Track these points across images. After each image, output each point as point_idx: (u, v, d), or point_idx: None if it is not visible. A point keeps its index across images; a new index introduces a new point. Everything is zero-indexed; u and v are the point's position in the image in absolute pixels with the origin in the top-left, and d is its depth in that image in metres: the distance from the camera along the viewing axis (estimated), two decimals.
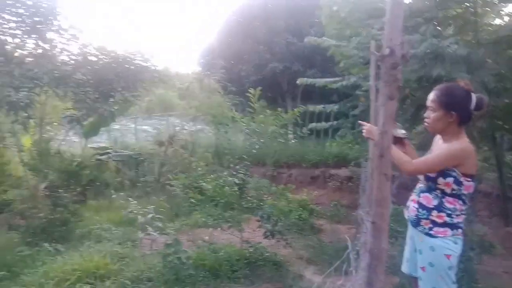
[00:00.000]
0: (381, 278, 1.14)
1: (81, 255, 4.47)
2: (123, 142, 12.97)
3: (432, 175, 2.47)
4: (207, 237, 5.69)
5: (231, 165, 4.94)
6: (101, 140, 13.57)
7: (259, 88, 4.62)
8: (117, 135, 13.72)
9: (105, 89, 7.34)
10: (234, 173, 4.76)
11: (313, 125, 6.61)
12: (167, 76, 8.43)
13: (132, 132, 15.38)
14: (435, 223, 2.48)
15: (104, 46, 7.24)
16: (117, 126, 14.05)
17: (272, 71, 13.02)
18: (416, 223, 2.58)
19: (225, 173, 8.82)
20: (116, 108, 8.07)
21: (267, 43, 13.40)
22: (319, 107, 6.35)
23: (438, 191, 2.47)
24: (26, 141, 8.01)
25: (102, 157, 8.96)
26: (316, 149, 10.27)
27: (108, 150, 9.68)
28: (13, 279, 4.20)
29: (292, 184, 8.63)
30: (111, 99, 7.47)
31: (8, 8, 6.50)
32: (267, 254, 4.68)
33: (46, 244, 4.95)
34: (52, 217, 5.38)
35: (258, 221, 5.13)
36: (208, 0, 44.94)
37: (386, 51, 0.94)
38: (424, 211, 2.52)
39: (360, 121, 2.87)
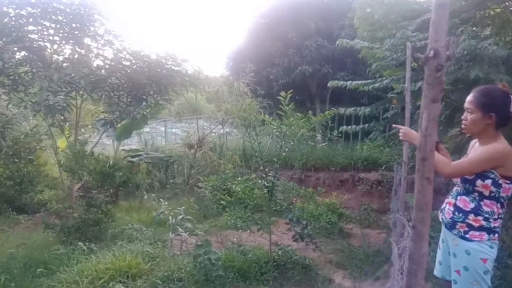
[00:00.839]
0: (421, 282, 1.12)
1: (114, 255, 4.59)
2: (153, 145, 13.27)
3: (470, 177, 2.41)
4: (235, 239, 5.73)
5: (261, 168, 4.93)
6: (132, 143, 13.96)
7: (290, 91, 4.60)
8: (148, 138, 14.05)
9: (137, 93, 7.52)
10: (264, 175, 4.76)
11: (343, 128, 6.52)
12: (197, 80, 8.52)
13: (162, 135, 15.70)
14: (471, 227, 2.42)
15: (138, 50, 7.38)
16: (147, 129, 14.39)
17: (302, 74, 12.95)
18: (451, 226, 2.52)
19: (253, 176, 8.90)
20: (148, 111, 8.25)
21: (296, 46, 13.33)
22: (350, 110, 6.27)
23: (476, 193, 2.41)
24: (62, 143, 8.33)
25: (134, 159, 9.17)
26: (345, 152, 10.16)
27: (139, 153, 9.90)
28: (49, 276, 4.35)
29: (320, 187, 8.61)
30: (144, 103, 7.63)
31: (48, 16, 6.76)
32: (296, 257, 4.67)
33: (80, 243, 5.10)
34: (86, 217, 5.53)
35: (287, 224, 5.12)
36: (236, 3, 45.14)
37: (431, 53, 0.92)
38: (460, 214, 2.47)
39: (395, 125, 2.82)
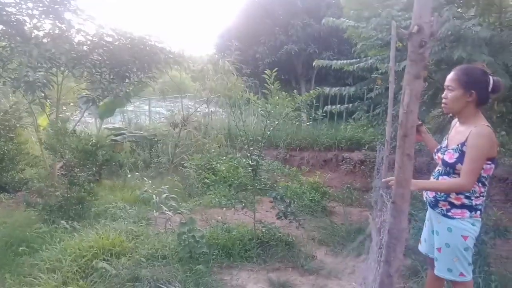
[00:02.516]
0: (399, 257, 1.15)
1: (97, 233, 4.58)
2: (137, 124, 13.12)
3: (451, 161, 2.45)
4: (220, 217, 5.78)
5: (245, 147, 4.94)
6: (115, 122, 13.76)
7: (275, 69, 4.57)
8: (131, 117, 13.86)
9: (120, 70, 7.36)
10: (248, 154, 4.77)
11: (328, 107, 6.54)
12: (182, 58, 8.38)
13: (146, 113, 15.51)
14: (453, 205, 2.48)
15: (120, 27, 7.20)
16: (131, 108, 14.19)
17: (287, 53, 12.86)
18: (434, 204, 2.58)
19: (238, 155, 8.90)
20: (131, 89, 8.11)
21: (283, 25, 13.18)
22: (334, 90, 6.28)
23: (456, 175, 2.45)
24: (43, 121, 8.15)
25: (117, 138, 9.06)
26: (329, 132, 10.24)
27: (122, 131, 9.78)
28: (32, 254, 4.32)
29: (304, 166, 8.69)
30: (126, 80, 7.49)
31: None
32: (280, 234, 4.74)
33: (63, 222, 5.06)
34: (68, 195, 5.48)
35: (271, 202, 5.17)
36: None
37: (414, 28, 0.92)
38: (442, 193, 2.52)
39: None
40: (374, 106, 6.64)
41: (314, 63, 6.50)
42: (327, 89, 6.24)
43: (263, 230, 4.74)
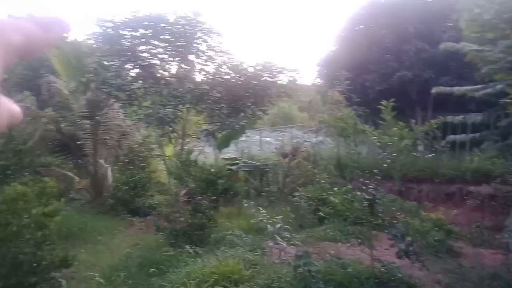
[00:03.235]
0: None
1: (218, 259, 4.82)
2: (249, 153, 13.70)
3: None
4: (333, 251, 5.63)
5: (361, 179, 4.80)
6: (228, 151, 14.58)
7: (392, 99, 4.43)
8: (244, 146, 14.55)
9: (236, 105, 7.89)
10: (364, 187, 4.62)
11: (451, 137, 6.07)
12: (292, 91, 8.63)
13: (256, 143, 16.13)
14: None
15: (236, 64, 7.75)
16: (243, 138, 14.93)
17: (400, 80, 12.35)
18: None
19: (349, 186, 8.66)
20: (245, 122, 8.58)
21: (394, 51, 12.78)
22: (458, 118, 5.81)
23: None
24: (168, 151, 9.04)
25: (233, 167, 9.57)
26: (451, 163, 9.36)
27: (237, 161, 10.31)
28: (160, 276, 4.73)
29: (423, 201, 8.05)
30: (242, 114, 7.97)
31: (157, 36, 7.45)
32: (400, 275, 4.41)
33: (187, 247, 5.47)
34: (192, 221, 5.92)
35: (389, 239, 4.88)
36: (329, 8, 44.61)
37: None
38: None
39: None
40: (505, 136, 5.95)
41: (433, 90, 6.14)
42: (450, 118, 5.81)
43: (382, 269, 4.47)
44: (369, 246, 4.61)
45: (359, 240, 4.66)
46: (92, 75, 7.50)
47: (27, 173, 7.06)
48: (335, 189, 8.08)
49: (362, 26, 14.18)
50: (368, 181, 4.74)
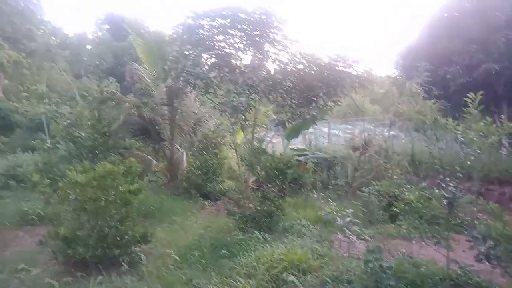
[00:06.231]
0: None
1: (286, 247, 4.90)
2: (316, 145, 13.59)
3: None
4: (403, 249, 5.44)
5: (440, 176, 4.56)
6: (295, 142, 14.58)
7: (480, 92, 4.13)
8: (311, 138, 14.45)
9: (308, 95, 7.82)
10: (443, 185, 4.38)
11: None
12: (367, 81, 8.35)
13: (324, 135, 15.93)
14: None
15: (310, 54, 7.65)
16: (311, 129, 14.82)
17: (486, 72, 11.36)
18: None
19: (424, 184, 8.24)
20: (316, 112, 8.48)
21: (480, 41, 11.77)
22: None
23: None
24: (238, 139, 9.27)
25: (301, 158, 9.57)
26: None
27: (305, 152, 10.29)
28: (231, 258, 4.91)
29: (505, 204, 7.44)
30: (313, 104, 7.88)
31: (234, 25, 7.58)
32: (479, 279, 4.16)
33: (256, 232, 5.62)
34: (261, 208, 6.05)
35: (468, 241, 4.59)
36: None
37: None
38: None
39: None
40: None
41: None
42: None
43: (458, 272, 4.24)
44: (446, 246, 4.38)
45: (435, 240, 4.44)
46: (172, 63, 7.87)
47: (112, 154, 7.68)
48: (409, 186, 7.78)
49: (447, 14, 13.23)
50: (448, 179, 4.49)
